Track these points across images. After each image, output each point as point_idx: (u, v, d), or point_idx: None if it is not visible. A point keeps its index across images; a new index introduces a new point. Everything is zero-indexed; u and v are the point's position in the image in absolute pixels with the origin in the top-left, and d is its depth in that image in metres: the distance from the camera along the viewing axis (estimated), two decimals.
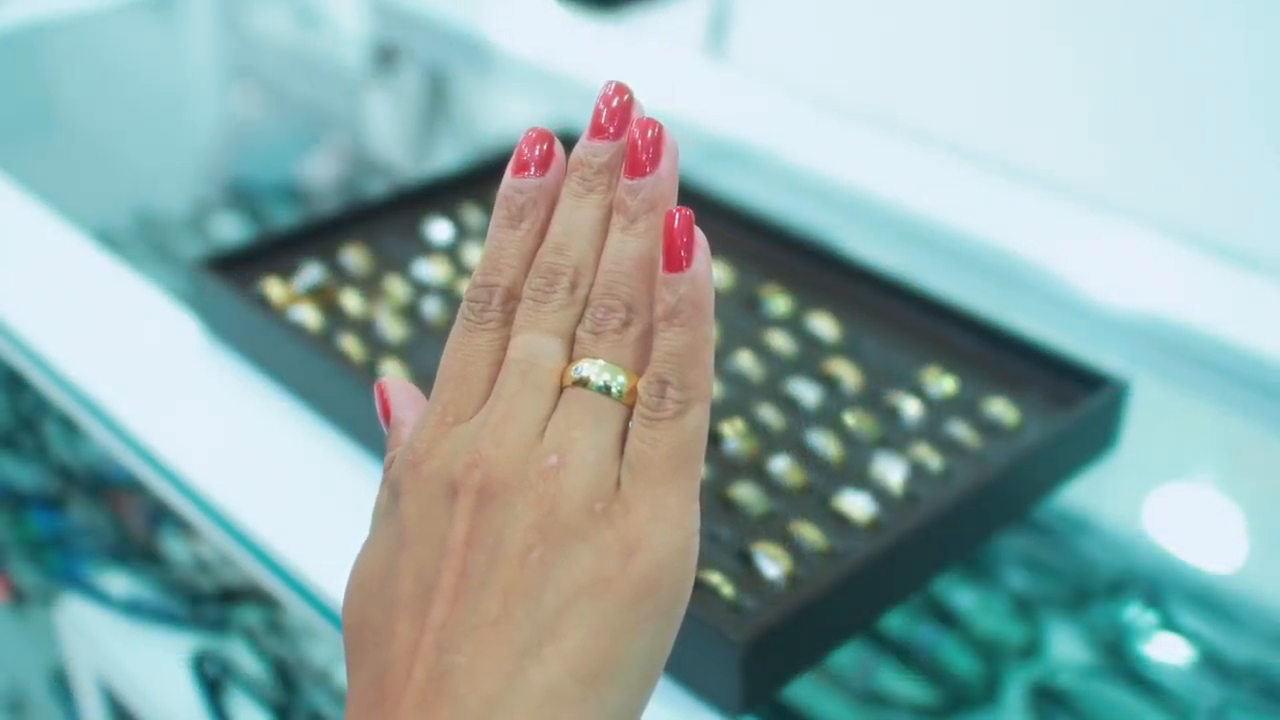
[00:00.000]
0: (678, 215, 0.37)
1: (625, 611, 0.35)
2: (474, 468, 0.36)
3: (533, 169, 0.40)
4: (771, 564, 0.58)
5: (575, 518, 0.35)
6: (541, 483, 0.35)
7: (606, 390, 0.37)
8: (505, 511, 0.35)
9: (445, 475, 0.36)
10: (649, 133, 0.38)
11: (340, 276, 0.79)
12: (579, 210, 0.39)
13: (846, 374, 0.71)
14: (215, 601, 0.94)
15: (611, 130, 0.39)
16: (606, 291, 0.38)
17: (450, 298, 0.78)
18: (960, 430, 0.67)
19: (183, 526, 1.00)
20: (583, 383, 0.37)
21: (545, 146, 0.40)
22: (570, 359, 0.38)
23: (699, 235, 0.37)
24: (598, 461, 0.36)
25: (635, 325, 0.38)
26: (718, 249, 0.74)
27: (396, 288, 0.78)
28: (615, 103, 0.39)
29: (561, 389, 0.37)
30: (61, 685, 1.07)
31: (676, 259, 0.37)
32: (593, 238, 0.39)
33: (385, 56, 1.38)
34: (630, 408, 0.37)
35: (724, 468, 0.64)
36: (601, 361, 0.37)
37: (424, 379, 0.70)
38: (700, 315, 0.37)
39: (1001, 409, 0.68)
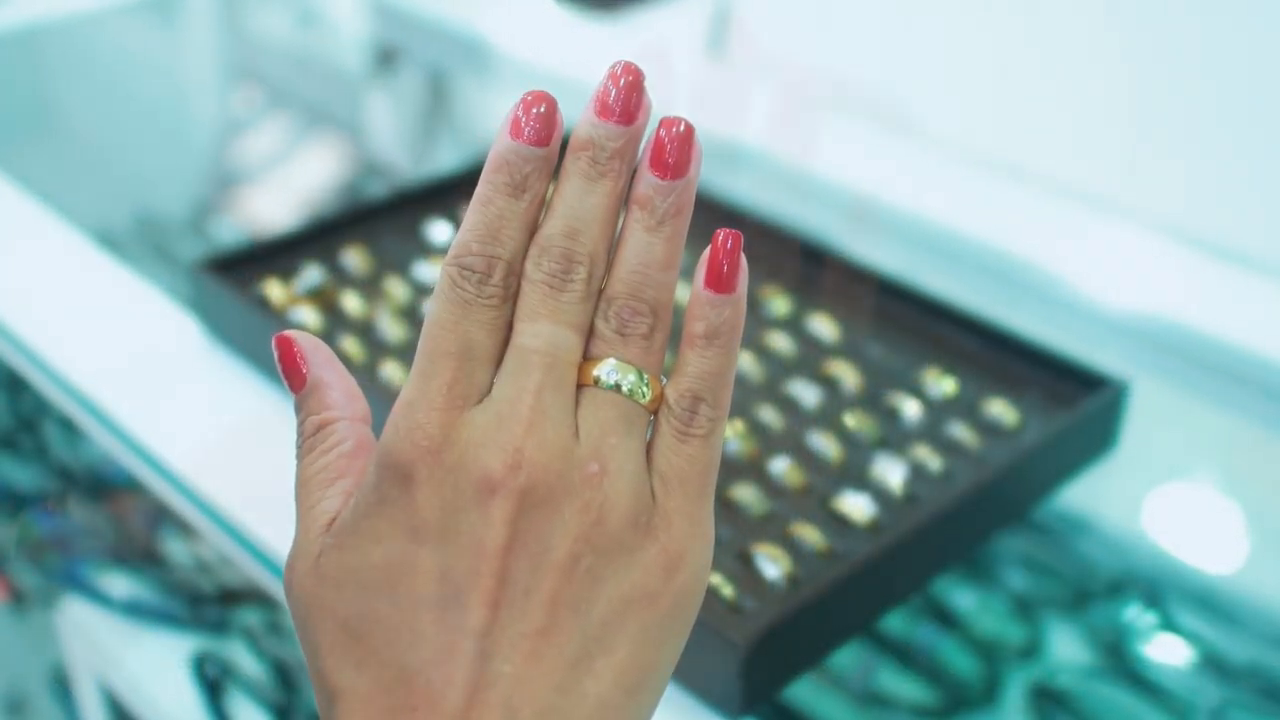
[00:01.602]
0: (730, 237, 0.37)
1: (665, 624, 0.35)
2: (516, 469, 0.34)
3: (532, 133, 0.37)
4: (771, 565, 0.58)
5: (622, 530, 0.35)
6: (587, 491, 0.35)
7: (632, 396, 0.36)
8: (552, 519, 0.34)
9: (476, 470, 0.34)
10: (676, 129, 0.37)
11: (340, 277, 0.79)
12: (590, 196, 0.37)
13: (846, 375, 0.71)
14: (215, 602, 0.94)
15: (618, 110, 0.37)
16: (632, 293, 0.37)
17: None
18: (960, 431, 0.67)
19: (183, 527, 1.00)
20: (612, 386, 0.36)
21: (545, 108, 0.37)
22: (586, 355, 0.36)
23: (742, 259, 0.37)
24: (635, 472, 0.36)
25: (660, 331, 0.37)
26: None
27: (396, 288, 0.78)
28: (624, 81, 0.37)
29: (579, 385, 0.36)
30: (61, 686, 1.07)
31: (724, 280, 0.37)
32: (604, 228, 0.38)
33: (385, 57, 1.38)
34: (651, 414, 0.37)
35: (724, 468, 0.64)
36: (631, 366, 0.36)
37: None
38: (737, 338, 0.37)
39: (1001, 410, 0.68)
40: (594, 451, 0.35)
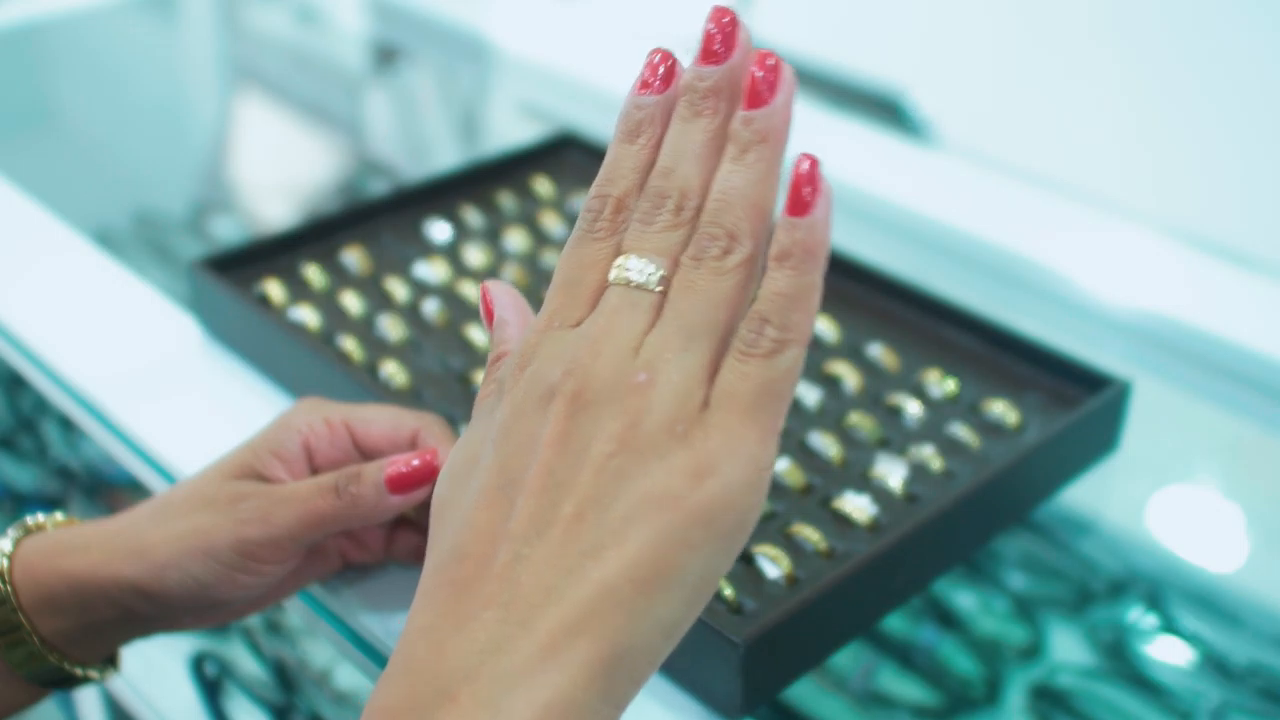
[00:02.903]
0: (806, 161, 0.39)
1: (685, 529, 0.36)
2: (570, 375, 0.38)
3: (646, 85, 0.42)
4: (772, 565, 0.58)
5: (655, 434, 0.37)
6: (629, 397, 0.37)
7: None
8: (594, 421, 0.37)
9: (543, 379, 0.39)
10: (766, 62, 0.40)
11: (340, 276, 0.79)
12: (686, 134, 0.41)
13: (847, 375, 0.70)
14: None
15: (712, 53, 0.41)
16: (712, 220, 0.39)
17: (450, 298, 0.78)
18: (961, 431, 0.67)
19: None
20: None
21: (668, 65, 0.42)
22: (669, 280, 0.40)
23: (824, 184, 0.39)
24: (684, 384, 0.38)
25: (736, 253, 0.39)
26: None
27: (396, 288, 0.78)
28: (713, 26, 0.41)
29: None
30: None
31: (798, 203, 0.38)
32: (698, 161, 0.40)
33: (385, 56, 1.38)
34: (725, 336, 0.39)
35: None
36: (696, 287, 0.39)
37: (424, 379, 0.70)
38: (812, 262, 0.38)
39: (1003, 410, 0.68)
40: (646, 364, 0.38)
